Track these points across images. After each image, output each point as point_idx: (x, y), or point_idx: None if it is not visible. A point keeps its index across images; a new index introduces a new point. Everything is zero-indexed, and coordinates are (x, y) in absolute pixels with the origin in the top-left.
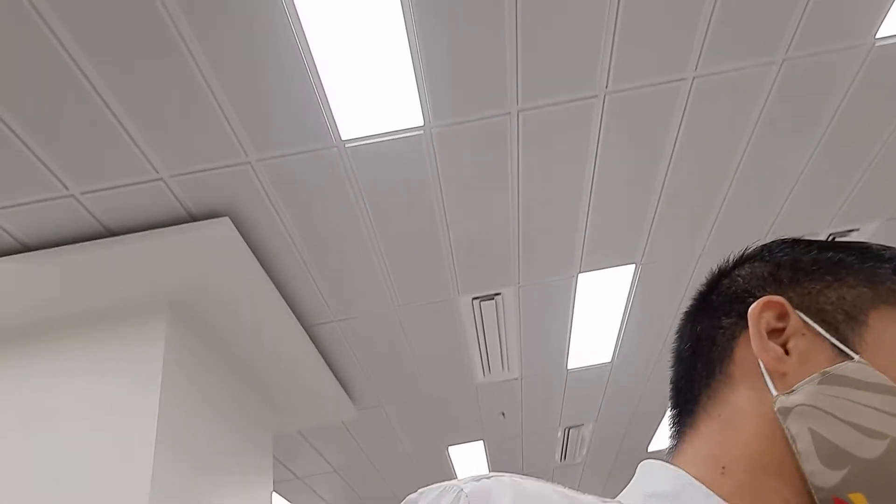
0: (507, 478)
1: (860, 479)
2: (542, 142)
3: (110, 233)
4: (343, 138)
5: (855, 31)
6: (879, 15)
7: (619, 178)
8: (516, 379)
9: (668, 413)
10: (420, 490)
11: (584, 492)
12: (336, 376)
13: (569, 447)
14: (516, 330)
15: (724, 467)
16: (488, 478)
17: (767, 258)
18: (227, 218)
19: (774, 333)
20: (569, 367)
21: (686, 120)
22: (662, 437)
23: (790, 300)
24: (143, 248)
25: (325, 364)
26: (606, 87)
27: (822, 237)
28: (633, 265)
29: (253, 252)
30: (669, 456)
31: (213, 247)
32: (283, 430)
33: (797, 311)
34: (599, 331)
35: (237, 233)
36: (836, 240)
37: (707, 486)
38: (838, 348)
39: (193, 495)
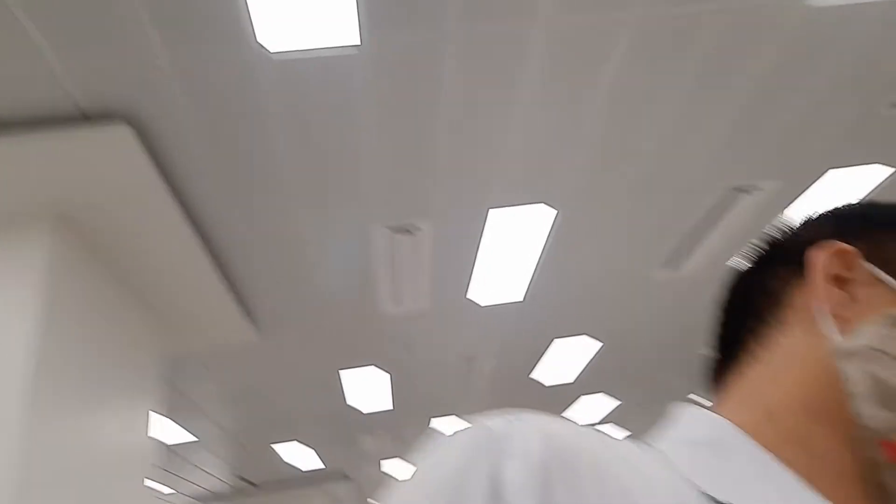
0: (534, 419)
1: None
2: (473, 69)
3: None
4: (269, 49)
5: None
6: None
7: (541, 117)
8: (424, 311)
9: (708, 363)
10: (442, 433)
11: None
12: (237, 298)
13: (469, 377)
14: (430, 262)
15: (771, 412)
16: (516, 418)
17: (832, 216)
18: (125, 123)
19: (840, 281)
20: (477, 302)
21: (618, 62)
22: (556, 374)
23: (860, 251)
24: (27, 149)
25: (225, 285)
26: (547, 17)
27: (723, 191)
28: (551, 206)
29: (154, 162)
30: (710, 399)
31: (109, 153)
32: (177, 351)
33: (866, 262)
34: (513, 267)
35: (136, 139)
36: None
37: (751, 434)
38: None
39: (70, 413)
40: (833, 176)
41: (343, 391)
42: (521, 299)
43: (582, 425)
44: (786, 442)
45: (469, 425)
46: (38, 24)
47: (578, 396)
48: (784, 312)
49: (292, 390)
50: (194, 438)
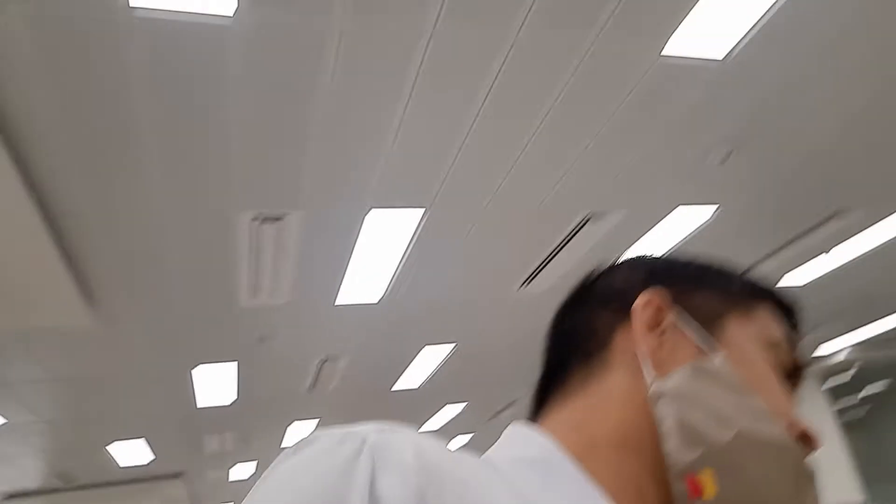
0: (407, 433)
1: (711, 458)
2: (355, 62)
3: None
4: (132, 4)
5: (646, 41)
6: (667, 33)
7: (425, 120)
8: (282, 305)
9: (535, 385)
10: (314, 433)
11: (326, 424)
12: (76, 277)
13: (320, 378)
14: (294, 256)
15: (594, 442)
16: (390, 431)
17: (642, 265)
18: None
19: (650, 326)
20: (337, 302)
21: (500, 77)
22: (406, 380)
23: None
24: None
25: (61, 260)
26: (436, 23)
27: (580, 216)
28: (423, 209)
29: None
30: (531, 422)
31: None
32: None
33: (672, 309)
34: (375, 269)
35: None
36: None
37: (574, 458)
38: (703, 344)
39: None
40: (680, 211)
41: (193, 387)
42: (377, 301)
43: (439, 443)
44: (604, 469)
45: (339, 432)
46: None
47: (444, 405)
48: (607, 353)
49: (133, 383)
50: (2, 421)
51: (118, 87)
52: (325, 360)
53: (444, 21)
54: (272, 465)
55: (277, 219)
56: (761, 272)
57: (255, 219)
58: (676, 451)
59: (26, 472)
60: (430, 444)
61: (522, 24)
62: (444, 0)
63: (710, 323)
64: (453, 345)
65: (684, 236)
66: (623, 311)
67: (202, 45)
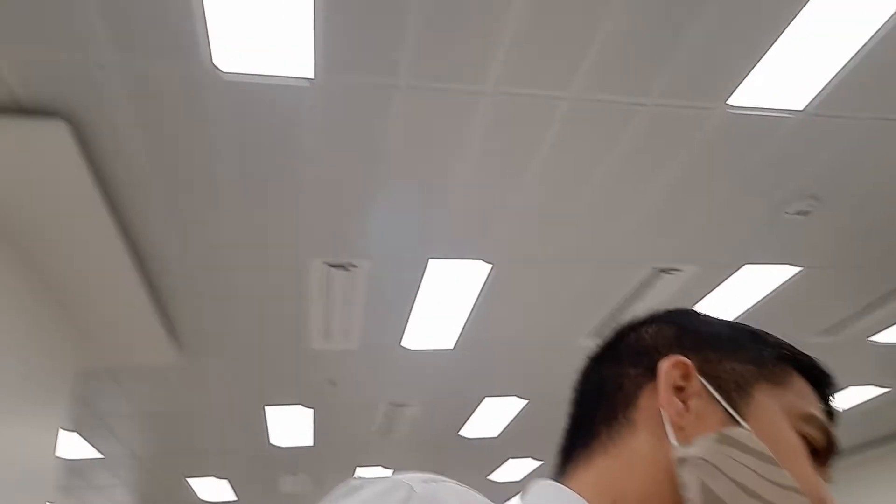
0: (452, 485)
1: None
2: (421, 122)
3: None
4: (221, 68)
5: (712, 93)
6: (734, 83)
7: (483, 178)
8: (353, 350)
9: (561, 441)
10: (360, 478)
11: (397, 470)
12: (162, 317)
13: (391, 423)
14: (363, 302)
15: (614, 501)
16: (436, 482)
17: (674, 322)
18: (63, 121)
19: (677, 390)
20: (407, 347)
21: (558, 136)
22: (473, 427)
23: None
24: None
25: (150, 302)
26: (495, 85)
27: (647, 270)
28: (485, 261)
29: (89, 164)
30: (557, 479)
31: (42, 148)
32: (90, 365)
33: (699, 376)
34: (445, 317)
35: (73, 138)
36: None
37: None
38: (729, 413)
39: None
40: (748, 270)
41: (267, 427)
42: (452, 347)
43: (480, 496)
44: None
45: (387, 480)
46: None
47: (506, 459)
48: (634, 413)
49: (212, 421)
50: (98, 455)
51: (203, 142)
52: (395, 405)
53: (504, 80)
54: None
55: (347, 266)
56: (849, 333)
57: (325, 264)
58: None
59: (115, 502)
60: (473, 499)
61: (583, 78)
62: (504, 61)
63: (738, 391)
64: (525, 401)
65: (762, 294)
66: (651, 370)
67: (282, 105)
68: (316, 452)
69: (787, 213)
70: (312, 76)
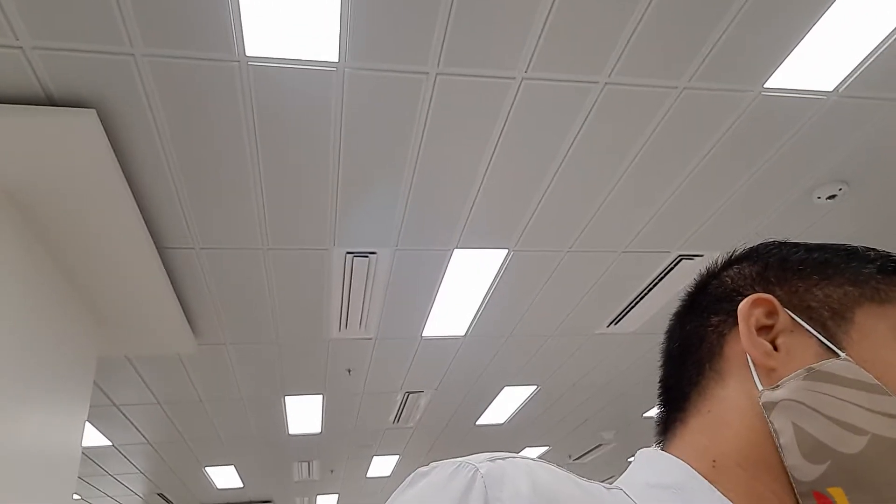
0: (521, 461)
1: (840, 473)
2: (452, 110)
3: None
4: (247, 53)
5: (748, 76)
6: (773, 65)
7: (513, 164)
8: (370, 339)
9: (656, 409)
10: (432, 464)
11: (408, 455)
12: (182, 305)
13: (404, 411)
14: (382, 291)
15: (714, 461)
16: (503, 459)
17: (755, 259)
18: (93, 110)
19: (763, 330)
20: (423, 335)
21: (588, 122)
22: (491, 415)
23: (779, 298)
24: None
25: (171, 290)
26: (526, 71)
27: (672, 257)
28: (506, 250)
29: (115, 154)
30: (659, 447)
31: (72, 139)
32: (109, 353)
33: (786, 309)
34: (460, 305)
35: (102, 129)
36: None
37: (708, 480)
38: (825, 345)
39: None
40: None
41: (286, 414)
42: (464, 334)
43: (560, 470)
44: (736, 489)
45: (453, 463)
46: (13, 4)
47: (523, 448)
48: (720, 363)
49: (230, 408)
50: (108, 443)
51: (231, 131)
52: (410, 392)
53: (534, 68)
54: (391, 497)
55: (369, 255)
56: None
57: (348, 253)
58: (799, 466)
59: (130, 490)
60: (546, 472)
61: (614, 65)
62: (535, 48)
63: (835, 318)
64: (535, 387)
65: None
66: (732, 315)
67: (309, 90)
68: (327, 440)
69: (817, 197)
70: (337, 59)
